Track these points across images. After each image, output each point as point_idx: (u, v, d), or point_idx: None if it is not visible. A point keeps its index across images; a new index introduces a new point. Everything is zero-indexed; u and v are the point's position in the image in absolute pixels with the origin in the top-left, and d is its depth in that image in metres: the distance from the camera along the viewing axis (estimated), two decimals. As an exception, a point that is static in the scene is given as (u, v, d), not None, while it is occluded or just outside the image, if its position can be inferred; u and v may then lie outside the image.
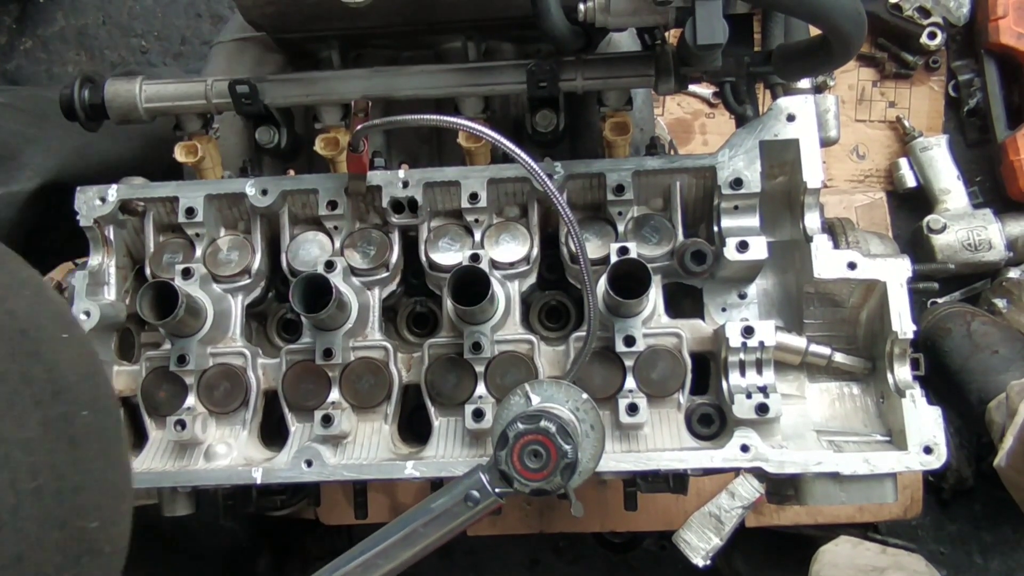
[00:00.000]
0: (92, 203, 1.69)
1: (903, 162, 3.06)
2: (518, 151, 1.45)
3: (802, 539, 2.73)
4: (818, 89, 2.34)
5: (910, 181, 3.04)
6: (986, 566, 2.98)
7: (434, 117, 1.51)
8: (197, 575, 2.60)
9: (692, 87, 3.11)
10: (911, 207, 3.10)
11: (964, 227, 2.90)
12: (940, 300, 3.01)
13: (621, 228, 1.67)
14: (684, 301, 1.73)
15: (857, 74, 3.14)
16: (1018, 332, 2.82)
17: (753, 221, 1.62)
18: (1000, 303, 2.92)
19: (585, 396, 1.36)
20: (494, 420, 1.40)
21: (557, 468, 1.29)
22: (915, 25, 3.01)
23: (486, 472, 1.35)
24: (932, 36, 3.02)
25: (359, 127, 1.52)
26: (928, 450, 1.50)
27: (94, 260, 1.71)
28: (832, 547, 2.32)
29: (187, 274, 1.66)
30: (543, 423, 1.29)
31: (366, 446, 1.65)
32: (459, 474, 1.55)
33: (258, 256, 1.73)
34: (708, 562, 2.69)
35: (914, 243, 2.99)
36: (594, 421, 1.35)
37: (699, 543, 2.70)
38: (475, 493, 1.34)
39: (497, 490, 1.34)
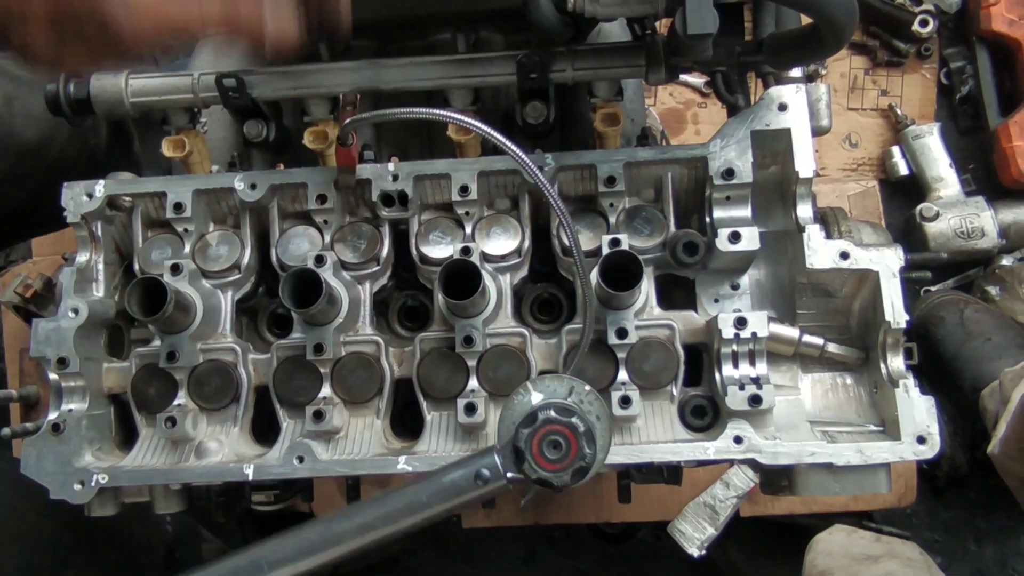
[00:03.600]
0: (79, 199, 1.67)
1: (895, 150, 3.06)
2: (507, 143, 1.44)
3: (796, 528, 2.73)
4: (810, 78, 2.34)
5: (903, 169, 3.04)
6: (980, 553, 2.99)
7: (423, 111, 1.49)
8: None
9: (684, 77, 3.10)
10: (904, 195, 3.11)
11: (957, 215, 2.90)
12: (933, 288, 3.02)
13: (613, 220, 1.66)
14: (676, 292, 1.72)
15: (849, 62, 3.13)
16: (1011, 319, 2.83)
17: (745, 211, 1.61)
18: (993, 291, 2.92)
19: (588, 388, 1.35)
20: (500, 423, 1.38)
21: (571, 467, 1.28)
22: (907, 13, 3.01)
23: (500, 455, 1.32)
24: (924, 24, 3.01)
25: (348, 121, 1.50)
26: (922, 440, 1.50)
27: (82, 256, 1.69)
28: (826, 536, 2.32)
29: (176, 270, 1.65)
30: (575, 419, 1.28)
31: (358, 441, 1.64)
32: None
33: (247, 251, 1.71)
34: (703, 552, 2.69)
35: (907, 231, 3.00)
36: (600, 412, 1.34)
37: (694, 533, 2.70)
38: (486, 472, 1.32)
39: (509, 475, 1.32)
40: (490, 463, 1.32)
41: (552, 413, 1.28)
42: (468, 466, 1.33)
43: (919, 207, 2.93)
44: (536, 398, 1.34)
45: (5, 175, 2.07)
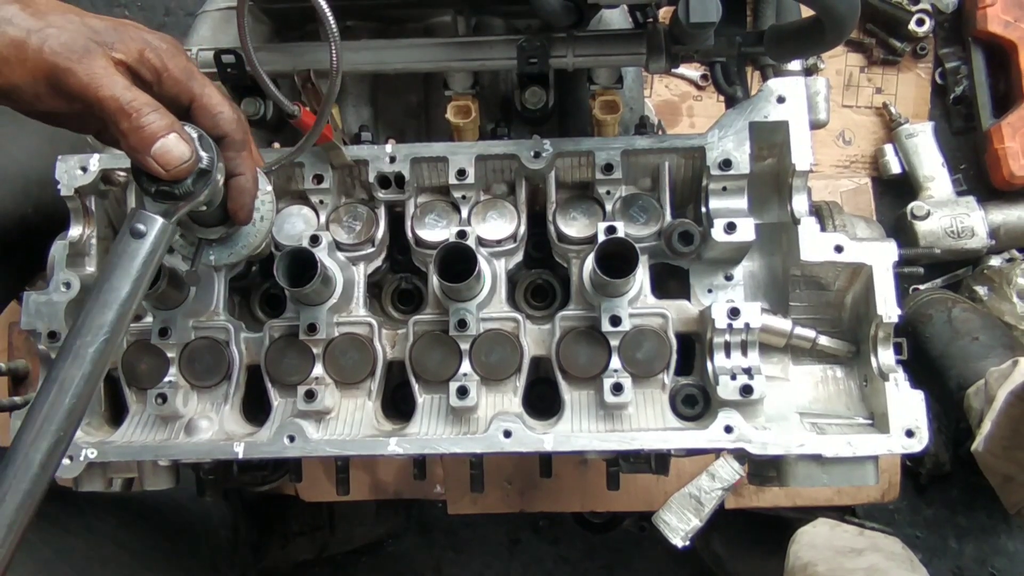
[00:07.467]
0: (73, 173, 1.66)
1: (888, 148, 3.07)
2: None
3: (780, 521, 2.75)
4: (808, 72, 2.34)
5: (895, 167, 3.05)
6: (961, 550, 3.02)
7: None
8: (179, 552, 2.59)
9: (680, 69, 3.10)
10: (895, 193, 3.12)
11: (947, 214, 2.92)
12: (922, 287, 3.03)
13: (609, 207, 1.66)
14: (670, 282, 1.72)
15: (845, 59, 3.14)
16: (998, 319, 2.85)
17: (741, 203, 1.61)
18: (981, 290, 2.94)
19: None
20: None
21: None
22: (904, 11, 3.02)
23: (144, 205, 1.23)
24: (920, 23, 3.03)
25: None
26: (910, 433, 1.51)
27: (75, 231, 1.68)
28: (810, 529, 2.34)
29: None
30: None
31: (349, 422, 1.64)
32: (443, 451, 1.56)
33: (242, 229, 1.70)
34: (687, 543, 2.71)
35: (898, 229, 3.01)
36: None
37: (679, 524, 2.72)
38: (139, 226, 1.21)
39: (162, 209, 1.22)
40: (135, 215, 1.21)
41: None
42: (121, 240, 1.20)
43: (910, 205, 2.94)
44: None
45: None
